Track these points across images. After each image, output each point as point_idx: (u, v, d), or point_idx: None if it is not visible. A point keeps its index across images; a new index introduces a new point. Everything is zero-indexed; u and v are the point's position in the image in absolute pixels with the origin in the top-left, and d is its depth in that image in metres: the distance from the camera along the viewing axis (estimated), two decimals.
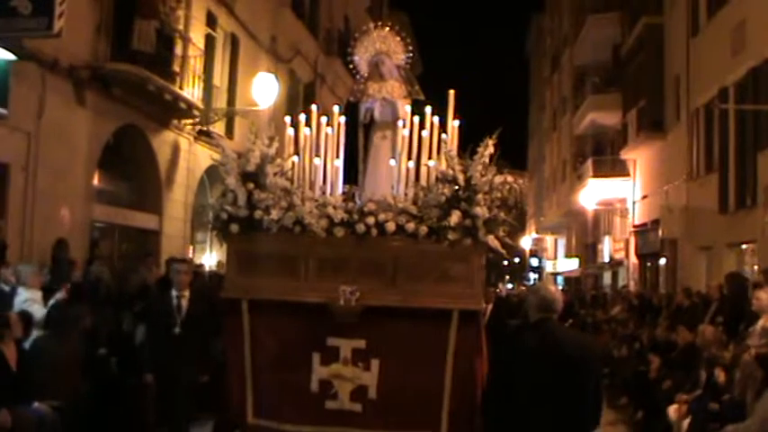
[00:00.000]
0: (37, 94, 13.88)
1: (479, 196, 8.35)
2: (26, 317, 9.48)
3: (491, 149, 8.54)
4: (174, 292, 9.71)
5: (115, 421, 10.48)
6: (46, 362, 9.32)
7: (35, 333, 9.85)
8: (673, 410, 10.95)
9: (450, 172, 8.43)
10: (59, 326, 9.99)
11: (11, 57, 10.94)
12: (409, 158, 9.23)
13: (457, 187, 8.39)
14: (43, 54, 13.73)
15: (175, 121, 19.41)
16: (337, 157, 9.46)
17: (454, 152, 8.71)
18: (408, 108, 9.60)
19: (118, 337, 11.66)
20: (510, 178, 8.90)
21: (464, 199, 8.34)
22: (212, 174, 21.09)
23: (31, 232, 13.88)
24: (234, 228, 8.57)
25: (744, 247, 20.88)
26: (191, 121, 20.01)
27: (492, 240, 8.47)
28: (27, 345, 9.48)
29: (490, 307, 13.32)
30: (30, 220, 13.90)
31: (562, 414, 6.24)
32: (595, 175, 36.64)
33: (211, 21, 21.65)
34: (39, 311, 10.14)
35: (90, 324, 10.86)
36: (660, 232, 27.50)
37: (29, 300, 10.23)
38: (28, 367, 8.94)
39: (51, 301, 10.52)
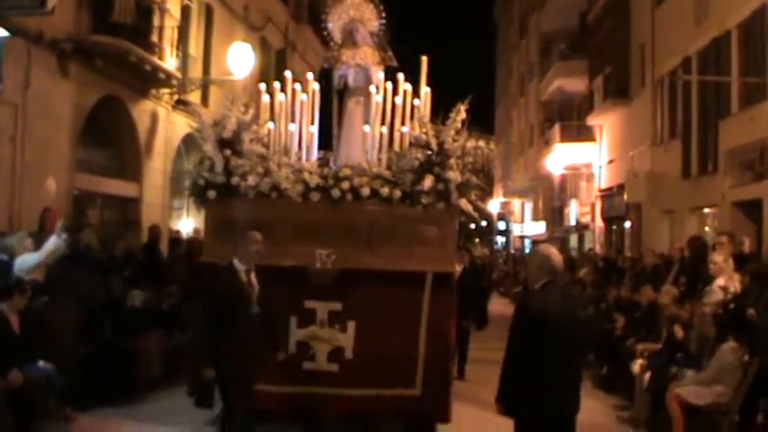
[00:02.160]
0: (23, 68, 14.14)
1: (452, 161, 8.70)
2: (22, 284, 9.59)
3: (463, 115, 8.88)
4: (240, 267, 7.96)
5: (111, 381, 10.91)
6: (46, 326, 9.70)
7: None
8: (636, 365, 11.61)
9: (423, 137, 8.80)
10: (57, 291, 10.39)
11: (4, 33, 11.25)
12: (383, 124, 9.54)
13: (430, 152, 8.71)
14: (28, 28, 13.97)
15: (154, 91, 19.68)
16: (312, 123, 9.73)
17: (427, 118, 9.12)
18: (381, 74, 9.88)
19: (110, 302, 12.10)
20: (482, 143, 9.34)
21: (437, 163, 8.67)
22: (189, 142, 21.44)
23: (19, 202, 14.20)
24: (211, 194, 8.89)
25: (705, 211, 21.52)
26: (168, 90, 20.30)
27: (464, 204, 8.89)
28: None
29: (460, 269, 13.68)
30: (18, 191, 14.24)
31: (576, 365, 6.61)
32: (562, 140, 37.00)
33: None
34: (32, 257, 10.43)
35: (85, 290, 11.32)
36: (625, 196, 27.99)
37: (24, 265, 10.50)
38: (30, 331, 9.34)
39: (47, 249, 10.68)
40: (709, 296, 10.88)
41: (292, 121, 9.61)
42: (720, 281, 10.93)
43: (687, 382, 9.77)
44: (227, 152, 8.87)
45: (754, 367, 9.24)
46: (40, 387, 8.90)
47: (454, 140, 8.78)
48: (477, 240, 52.34)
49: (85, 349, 10.61)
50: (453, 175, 8.63)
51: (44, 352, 9.40)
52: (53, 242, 10.46)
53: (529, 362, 6.10)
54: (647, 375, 10.91)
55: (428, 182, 8.59)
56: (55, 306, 10.08)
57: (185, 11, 21.41)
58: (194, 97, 21.29)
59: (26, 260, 10.40)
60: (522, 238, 57.75)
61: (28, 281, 9.77)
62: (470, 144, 9.03)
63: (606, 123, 32.61)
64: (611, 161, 31.89)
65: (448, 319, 9.06)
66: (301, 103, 9.71)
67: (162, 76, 18.71)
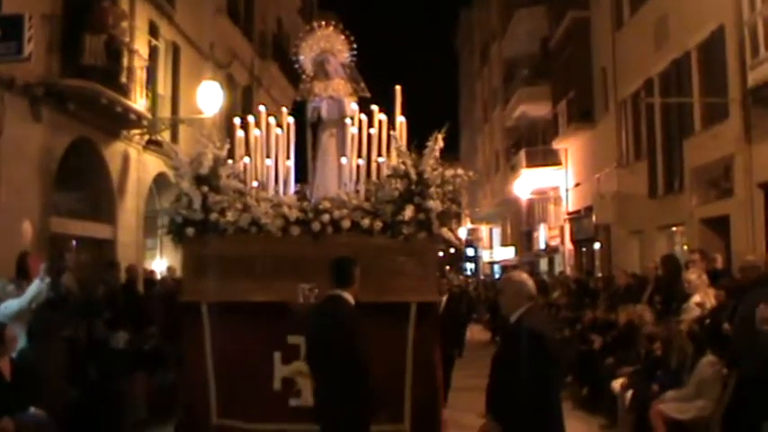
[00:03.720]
0: None
1: (432, 190, 8.56)
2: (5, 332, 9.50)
3: (440, 143, 8.76)
4: None
5: (101, 425, 10.91)
6: (34, 371, 9.61)
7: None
8: (617, 384, 11.79)
9: (402, 167, 8.65)
10: (42, 336, 10.35)
11: None
12: (359, 155, 9.38)
13: (409, 182, 8.57)
14: (0, 74, 14.07)
15: (125, 132, 19.72)
16: (288, 157, 9.63)
17: (404, 148, 8.89)
18: (355, 106, 9.75)
19: (95, 344, 12.12)
20: (461, 171, 9.24)
21: (417, 193, 8.54)
22: (160, 182, 21.50)
23: None
24: (190, 231, 8.69)
25: (673, 229, 21.85)
26: (139, 131, 20.35)
27: (446, 232, 8.75)
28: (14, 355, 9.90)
29: (444, 299, 13.72)
30: None
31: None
32: (528, 165, 37.37)
33: (154, 30, 21.95)
34: (15, 303, 10.30)
35: (68, 333, 11.33)
36: (594, 218, 28.33)
37: (7, 305, 10.49)
38: (20, 377, 9.30)
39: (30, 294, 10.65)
40: (687, 313, 11.10)
41: (268, 155, 9.53)
42: (696, 297, 11.16)
43: (669, 398, 9.95)
44: (205, 188, 8.74)
45: (732, 379, 9.45)
46: None
47: (433, 169, 8.70)
48: (447, 268, 52.40)
49: (72, 393, 10.58)
50: (434, 204, 8.52)
51: (35, 397, 9.35)
52: (36, 287, 10.44)
53: (540, 387, 6.05)
54: (629, 394, 11.08)
55: (409, 212, 8.47)
56: (42, 351, 10.05)
57: (153, 51, 21.49)
58: (164, 136, 21.32)
59: (8, 306, 10.36)
60: (492, 263, 58.00)
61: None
62: (449, 172, 8.83)
63: (571, 147, 32.99)
64: (577, 184, 32.22)
65: (433, 349, 8.89)
66: (276, 136, 9.61)
67: (133, 117, 18.77)
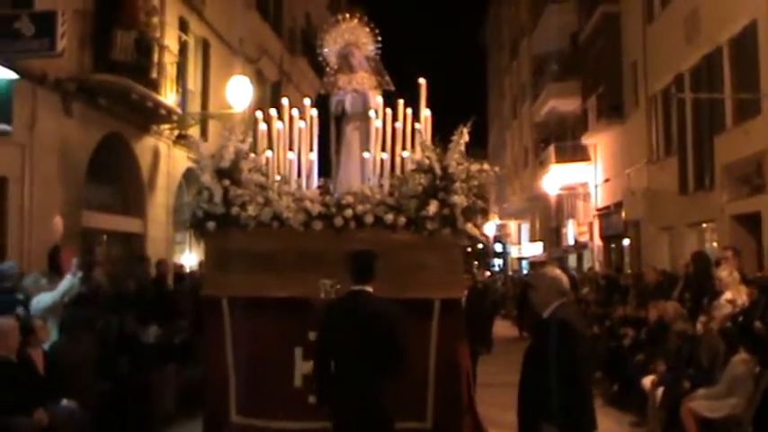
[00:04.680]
0: (29, 108, 14.32)
1: (457, 185, 8.38)
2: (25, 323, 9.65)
3: (466, 138, 8.60)
4: None
5: (130, 417, 10.99)
6: (66, 364, 9.75)
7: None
8: (647, 381, 11.73)
9: (427, 162, 8.49)
10: (73, 329, 10.46)
11: (14, 76, 11.42)
12: (383, 149, 9.23)
13: (434, 177, 8.41)
14: (33, 70, 14.15)
15: (155, 127, 19.89)
16: (311, 150, 9.42)
17: (429, 142, 8.73)
18: (380, 99, 9.53)
19: (125, 338, 12.21)
20: (486, 166, 8.91)
21: (441, 188, 8.36)
22: (190, 176, 21.59)
23: (29, 241, 14.36)
24: (210, 225, 8.55)
25: (704, 226, 21.68)
26: (169, 126, 20.50)
27: (471, 228, 8.55)
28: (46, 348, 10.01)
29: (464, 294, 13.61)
30: (28, 230, 14.38)
31: None
32: (557, 161, 37.10)
33: (184, 26, 22.10)
34: (48, 296, 10.48)
35: (100, 327, 11.43)
36: (623, 214, 28.11)
37: (40, 304, 10.64)
38: (53, 369, 9.45)
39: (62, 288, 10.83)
40: (718, 310, 11.02)
41: (291, 148, 9.37)
42: (728, 295, 11.07)
43: (700, 396, 9.88)
44: (226, 182, 8.62)
45: (765, 378, 9.38)
46: (64, 425, 8.96)
47: (458, 164, 8.55)
48: (475, 263, 52.35)
49: (103, 386, 10.67)
50: (459, 200, 8.35)
51: (67, 389, 9.45)
52: (68, 281, 10.55)
53: (579, 381, 6.07)
54: (660, 391, 11.02)
55: (433, 207, 8.30)
56: (75, 344, 10.14)
57: (183, 47, 21.62)
58: (194, 131, 21.43)
59: (41, 300, 10.47)
60: (520, 259, 57.83)
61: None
62: (475, 167, 8.66)
63: (601, 142, 32.81)
64: (607, 180, 32.04)
65: (458, 346, 8.75)
66: (299, 130, 9.46)
67: (163, 112, 18.92)
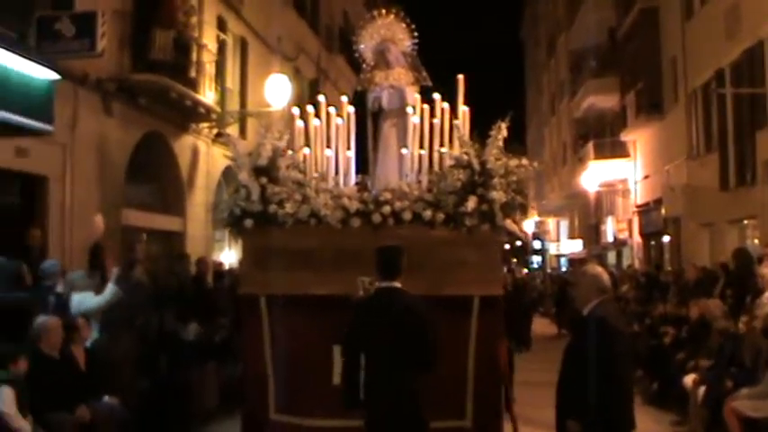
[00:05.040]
0: (70, 108, 14.47)
1: (495, 180, 8.27)
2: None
3: (504, 133, 8.47)
4: None
5: (170, 414, 11.08)
6: (107, 361, 9.86)
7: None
8: (689, 380, 11.62)
9: (465, 157, 8.36)
10: (114, 327, 10.58)
11: (55, 76, 11.54)
12: (420, 146, 9.13)
13: (472, 172, 8.28)
14: (74, 70, 14.28)
15: (194, 126, 20.02)
16: (348, 147, 9.34)
17: (467, 137, 8.63)
18: (417, 95, 9.47)
19: (165, 336, 12.30)
20: (525, 161, 8.72)
21: (480, 184, 8.23)
22: (228, 175, 21.68)
23: (70, 239, 14.51)
24: (248, 223, 8.50)
25: (745, 222, 21.48)
26: (208, 124, 20.63)
27: (510, 224, 8.45)
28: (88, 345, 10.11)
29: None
30: (69, 228, 14.53)
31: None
32: (596, 158, 36.93)
33: (222, 25, 22.23)
34: (93, 300, 10.54)
35: (140, 324, 11.52)
36: (663, 211, 28.01)
37: (80, 302, 10.76)
38: (94, 367, 9.55)
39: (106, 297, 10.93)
40: (760, 308, 10.90)
41: (328, 145, 9.32)
42: None
43: (743, 395, 9.77)
44: (263, 180, 8.55)
45: None
46: (106, 422, 9.06)
47: (497, 159, 8.41)
48: (513, 260, 52.13)
49: (143, 383, 10.76)
50: (497, 196, 8.21)
51: (108, 387, 9.56)
52: (111, 292, 10.63)
53: (618, 379, 6.06)
54: (702, 390, 10.91)
55: (471, 203, 8.16)
56: (116, 342, 10.23)
57: (221, 45, 21.75)
58: (232, 130, 21.56)
59: (85, 302, 10.53)
60: (559, 256, 57.61)
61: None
62: (514, 162, 8.53)
63: (640, 138, 32.61)
64: (646, 176, 31.85)
65: (497, 344, 8.64)
66: (336, 127, 9.37)
67: (202, 110, 19.03)
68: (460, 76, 9.16)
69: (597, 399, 5.92)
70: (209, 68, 19.72)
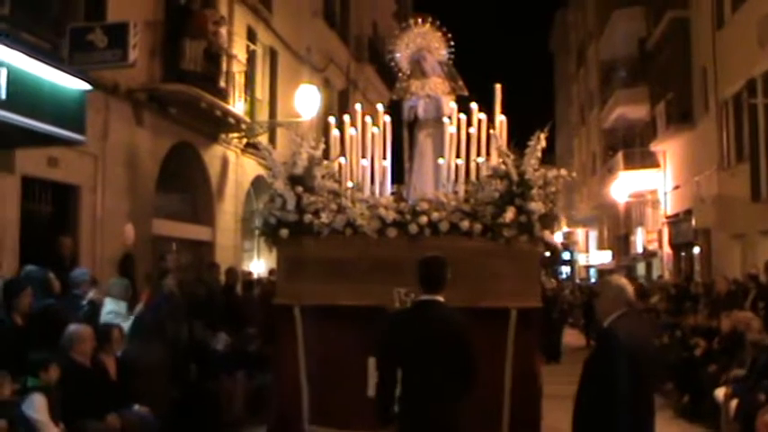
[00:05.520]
0: (101, 118, 14.52)
1: (534, 191, 8.21)
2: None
3: (543, 143, 8.43)
4: None
5: (198, 424, 11.09)
6: (137, 370, 9.88)
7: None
8: (720, 393, 11.49)
9: (503, 167, 8.31)
10: (145, 337, 10.63)
11: (87, 87, 11.62)
12: (457, 156, 9.11)
13: (510, 183, 8.22)
14: (105, 80, 14.37)
15: (223, 136, 20.07)
16: (384, 157, 9.36)
17: (505, 147, 8.56)
18: (453, 105, 9.46)
19: (195, 345, 12.33)
20: (563, 171, 8.71)
21: (518, 194, 8.18)
22: (258, 184, 21.75)
23: (101, 248, 14.58)
24: (284, 233, 8.52)
25: None
26: (237, 134, 20.70)
27: (548, 236, 8.41)
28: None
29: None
30: (100, 237, 14.61)
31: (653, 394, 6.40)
32: (626, 168, 36.88)
33: (251, 35, 22.29)
34: (123, 323, 10.69)
35: (171, 334, 11.55)
36: (693, 222, 27.85)
37: (113, 312, 10.86)
38: (125, 375, 9.57)
39: (134, 313, 11.14)
40: None
41: (363, 155, 9.33)
42: None
43: None
44: (299, 189, 8.55)
45: None
46: (135, 430, 9.08)
47: (535, 170, 8.37)
48: (543, 271, 51.99)
49: (173, 392, 10.78)
50: (536, 206, 8.17)
51: (139, 395, 9.58)
52: (133, 320, 10.75)
53: (628, 394, 5.83)
54: (734, 403, 10.80)
55: (510, 214, 8.11)
56: (146, 350, 10.27)
57: (251, 56, 21.82)
58: (262, 140, 21.56)
59: (115, 320, 10.61)
60: (588, 267, 57.36)
61: None
62: (552, 173, 8.51)
63: (670, 149, 32.46)
64: (676, 187, 31.69)
65: (534, 358, 8.65)
66: (372, 136, 9.38)
67: (231, 120, 19.08)
68: (498, 86, 9.09)
69: (616, 411, 5.77)
70: (239, 78, 19.78)
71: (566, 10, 60.40)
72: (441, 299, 6.32)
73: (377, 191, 9.27)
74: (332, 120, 9.50)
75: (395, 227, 8.43)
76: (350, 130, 9.36)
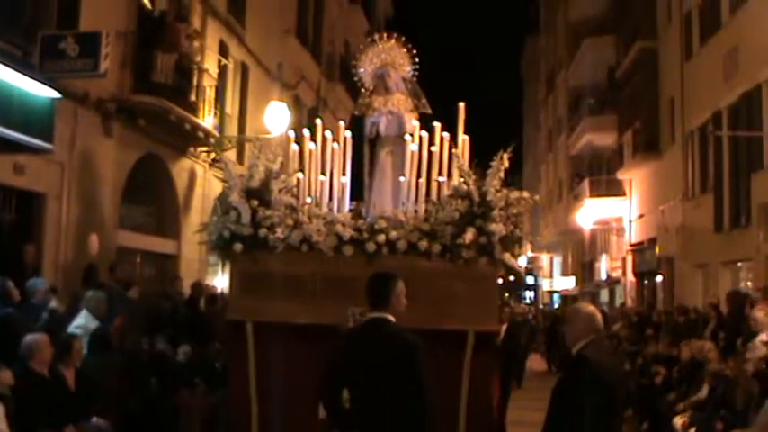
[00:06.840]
0: (69, 128, 14.42)
1: (495, 212, 8.00)
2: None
3: (506, 164, 8.21)
4: None
5: None
6: (96, 381, 9.70)
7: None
8: (679, 421, 11.58)
9: (464, 187, 8.13)
10: (104, 348, 10.53)
11: (56, 95, 11.56)
12: (418, 174, 8.85)
13: (471, 203, 8.03)
14: (75, 89, 14.29)
15: (192, 149, 20.01)
16: (344, 173, 9.11)
17: (467, 166, 8.35)
18: (415, 122, 9.18)
19: (156, 358, 12.25)
20: (526, 194, 8.46)
21: (479, 215, 7.98)
22: (224, 199, 21.66)
23: (65, 258, 14.49)
24: (237, 247, 8.22)
25: (739, 264, 21.50)
26: (206, 148, 20.63)
27: (508, 258, 8.15)
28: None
29: (504, 327, 13.40)
30: (64, 247, 14.51)
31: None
32: (592, 195, 37.14)
33: (223, 50, 22.26)
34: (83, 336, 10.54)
35: (130, 346, 11.48)
36: (657, 250, 28.10)
37: (80, 327, 10.70)
38: (83, 386, 9.44)
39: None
40: (752, 352, 10.89)
41: (323, 170, 9.08)
42: (763, 336, 10.95)
43: None
44: (255, 202, 8.27)
45: None
46: None
47: (497, 191, 8.12)
48: (507, 295, 52.08)
49: (132, 404, 10.70)
50: (496, 228, 7.92)
51: (97, 407, 9.46)
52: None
53: (599, 421, 5.83)
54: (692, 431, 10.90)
55: (470, 235, 7.88)
56: (104, 362, 10.18)
57: (222, 70, 21.78)
58: (230, 155, 21.52)
59: (81, 331, 10.50)
60: (552, 293, 57.63)
61: None
62: (514, 195, 8.26)
63: (636, 178, 32.75)
64: (641, 215, 31.95)
65: (490, 381, 8.55)
66: (332, 151, 9.12)
67: (200, 134, 19.00)
68: (461, 104, 8.96)
69: None
70: (210, 93, 19.72)
71: (537, 36, 60.79)
72: (389, 316, 6.22)
73: (335, 207, 8.99)
74: (291, 134, 9.34)
75: (352, 244, 8.21)
76: (309, 145, 9.24)
